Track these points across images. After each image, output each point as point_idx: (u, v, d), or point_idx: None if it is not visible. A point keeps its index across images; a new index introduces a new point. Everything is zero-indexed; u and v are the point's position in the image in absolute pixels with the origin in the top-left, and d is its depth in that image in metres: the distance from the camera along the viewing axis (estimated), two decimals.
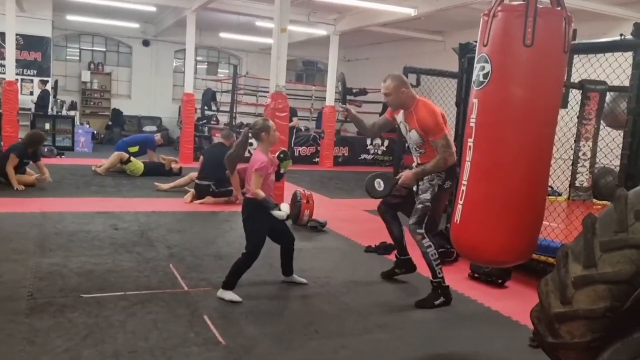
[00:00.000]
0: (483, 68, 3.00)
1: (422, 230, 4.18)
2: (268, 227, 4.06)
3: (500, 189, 2.97)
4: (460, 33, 12.28)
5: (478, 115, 3.03)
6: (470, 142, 3.08)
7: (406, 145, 4.60)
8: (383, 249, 5.59)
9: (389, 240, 5.68)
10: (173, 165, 10.13)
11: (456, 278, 4.85)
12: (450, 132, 4.33)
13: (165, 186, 8.48)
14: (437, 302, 4.12)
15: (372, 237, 5.94)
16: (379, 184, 4.35)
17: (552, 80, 2.99)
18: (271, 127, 4.08)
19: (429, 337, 3.57)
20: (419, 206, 4.19)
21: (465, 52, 5.83)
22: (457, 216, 3.15)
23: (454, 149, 4.14)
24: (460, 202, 3.12)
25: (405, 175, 4.27)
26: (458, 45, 5.97)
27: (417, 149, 4.26)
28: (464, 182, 3.11)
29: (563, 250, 2.64)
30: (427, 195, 4.18)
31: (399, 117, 4.34)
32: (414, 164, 4.33)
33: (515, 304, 4.22)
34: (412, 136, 4.22)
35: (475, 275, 4.82)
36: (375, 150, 14.70)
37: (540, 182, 3.09)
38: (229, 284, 3.98)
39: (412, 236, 4.20)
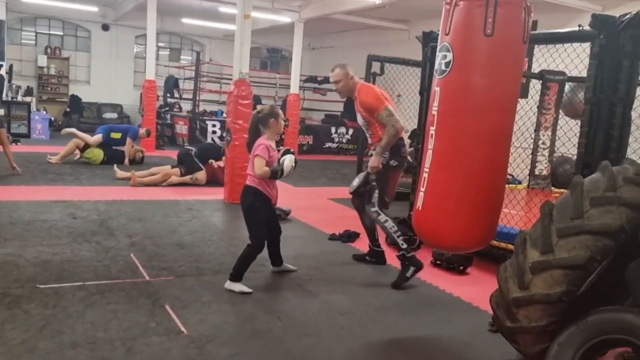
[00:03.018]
0: (445, 57, 3.03)
1: (376, 208, 4.42)
2: (265, 217, 4.00)
3: (460, 177, 3.02)
4: (425, 22, 12.35)
5: (440, 104, 3.07)
6: (432, 130, 3.11)
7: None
8: (347, 236, 5.62)
9: (353, 228, 5.73)
10: (137, 155, 9.97)
11: None
12: (394, 106, 4.58)
13: (120, 175, 8.25)
14: (408, 274, 4.28)
15: (336, 225, 5.97)
16: (354, 181, 4.59)
17: (511, 69, 3.04)
18: (280, 114, 4.03)
19: (391, 323, 3.61)
20: (367, 187, 4.47)
21: (429, 40, 5.85)
22: (419, 203, 3.19)
23: (398, 117, 4.41)
24: (422, 189, 3.16)
25: (370, 162, 4.42)
26: (422, 34, 5.99)
27: (366, 131, 4.57)
28: (426, 170, 3.15)
29: (521, 237, 2.70)
30: (372, 176, 4.43)
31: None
32: (369, 145, 4.64)
33: (476, 290, 4.30)
34: (359, 119, 4.58)
35: (437, 262, 4.89)
36: (340, 139, 14.74)
37: (499, 169, 3.15)
38: (235, 276, 3.92)
39: (369, 215, 4.52)
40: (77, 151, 9.58)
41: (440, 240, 3.18)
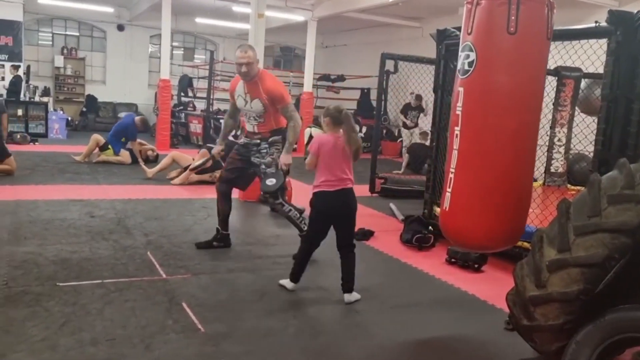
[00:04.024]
0: (468, 56, 3.01)
1: (280, 200, 4.68)
2: (322, 220, 3.89)
3: (486, 176, 3.00)
4: (438, 19, 12.31)
5: (464, 104, 3.04)
6: (456, 130, 3.08)
7: (243, 116, 4.81)
8: (361, 235, 5.61)
9: (367, 227, 5.73)
10: (149, 154, 10.02)
11: (433, 263, 4.91)
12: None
13: (150, 173, 8.39)
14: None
15: None
16: (271, 181, 4.62)
17: (536, 67, 3.00)
18: (325, 114, 3.90)
19: (406, 321, 3.61)
20: (267, 181, 4.60)
21: (443, 38, 5.84)
22: (446, 204, 3.16)
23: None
24: (449, 190, 3.13)
25: (282, 159, 4.55)
26: (436, 31, 5.97)
27: (257, 118, 4.62)
28: (452, 170, 3.12)
29: (538, 235, 2.68)
30: (273, 169, 4.60)
31: (238, 90, 4.66)
32: (252, 132, 4.69)
33: (491, 288, 4.29)
34: (255, 106, 4.57)
35: (452, 260, 4.88)
36: None
37: (525, 168, 3.12)
38: (352, 285, 3.86)
39: (276, 208, 4.72)
40: (97, 149, 9.67)
41: (467, 240, 3.16)
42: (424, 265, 4.82)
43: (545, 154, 7.37)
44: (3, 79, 13.45)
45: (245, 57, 4.44)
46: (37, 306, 3.38)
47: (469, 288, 4.30)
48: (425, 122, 11.45)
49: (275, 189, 4.61)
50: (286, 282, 3.99)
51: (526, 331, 2.68)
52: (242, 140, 4.85)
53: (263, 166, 4.62)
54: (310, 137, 3.58)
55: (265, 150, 4.63)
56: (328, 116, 3.81)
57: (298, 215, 4.74)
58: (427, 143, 10.80)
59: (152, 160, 9.88)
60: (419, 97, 11.21)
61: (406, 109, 11.56)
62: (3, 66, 13.67)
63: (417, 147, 10.80)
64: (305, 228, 4.38)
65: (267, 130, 4.61)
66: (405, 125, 11.66)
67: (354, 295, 3.85)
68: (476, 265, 4.76)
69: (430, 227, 5.57)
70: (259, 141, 4.64)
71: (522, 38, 2.88)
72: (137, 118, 10.03)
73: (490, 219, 3.02)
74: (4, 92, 13.00)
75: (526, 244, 4.38)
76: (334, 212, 3.83)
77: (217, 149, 5.00)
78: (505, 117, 2.96)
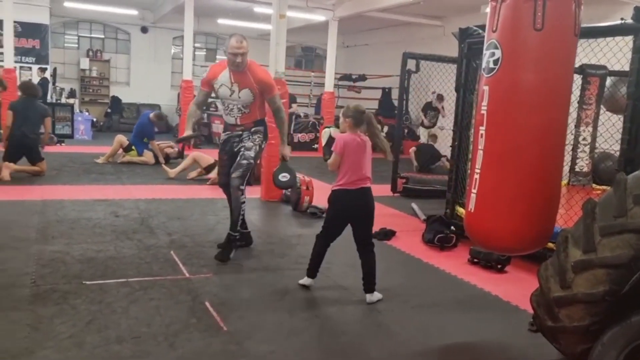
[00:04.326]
0: (493, 54, 2.97)
1: (244, 187, 4.53)
2: (341, 218, 3.92)
3: (513, 176, 2.95)
4: (460, 18, 12.21)
5: (489, 103, 3.00)
6: (481, 129, 3.04)
7: (223, 107, 4.68)
8: (383, 235, 5.61)
9: (389, 226, 5.72)
10: (169, 151, 10.12)
11: (455, 263, 4.89)
12: None
13: (172, 173, 8.50)
14: (231, 255, 4.54)
15: None
16: (284, 177, 4.70)
17: (563, 63, 2.95)
18: (344, 112, 3.93)
19: (428, 321, 3.60)
20: (244, 162, 4.51)
21: (465, 37, 5.80)
22: (471, 205, 3.12)
23: None
24: (474, 190, 3.09)
25: (285, 152, 4.74)
26: (458, 30, 5.94)
27: (243, 109, 4.54)
28: (477, 171, 3.08)
29: (563, 235, 2.66)
30: (252, 153, 4.52)
31: (221, 79, 4.51)
32: (233, 125, 4.60)
33: (515, 288, 4.25)
34: (243, 96, 4.48)
35: (475, 260, 4.84)
36: None
37: (554, 168, 3.06)
38: (374, 286, 3.91)
39: (233, 190, 4.48)
40: (121, 150, 9.82)
41: (494, 242, 3.11)
42: (446, 265, 4.80)
43: (570, 153, 7.27)
44: (30, 80, 13.71)
45: (242, 48, 4.36)
46: (64, 304, 3.45)
47: (492, 288, 4.26)
48: (444, 123, 11.43)
49: (292, 183, 4.76)
50: (304, 280, 4.02)
51: (551, 332, 2.66)
52: (223, 137, 4.76)
53: (242, 148, 4.53)
54: (330, 137, 3.59)
55: (247, 137, 4.57)
56: (349, 117, 3.82)
57: (244, 212, 4.60)
58: (435, 144, 10.86)
59: (174, 158, 10.01)
60: (440, 98, 11.15)
61: (427, 108, 11.51)
62: (30, 69, 13.95)
63: (424, 148, 10.77)
64: (238, 230, 4.57)
65: (250, 121, 4.57)
66: (423, 124, 11.61)
67: (376, 295, 3.85)
68: (499, 266, 4.72)
69: (452, 227, 5.55)
70: (241, 132, 4.60)
71: (549, 34, 2.83)
72: (151, 114, 10.17)
73: (517, 220, 2.97)
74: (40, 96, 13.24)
75: (551, 245, 4.33)
76: (354, 210, 3.86)
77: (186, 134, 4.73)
78: (532, 115, 2.91)
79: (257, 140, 4.59)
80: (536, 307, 2.73)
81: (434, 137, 10.97)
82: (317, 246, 4.00)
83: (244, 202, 4.53)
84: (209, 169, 8.43)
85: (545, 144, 2.95)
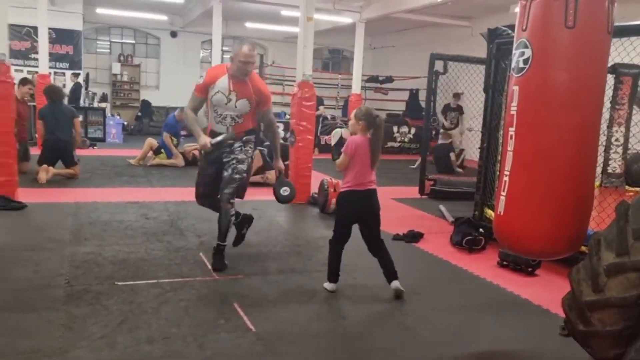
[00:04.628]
0: (523, 54, 2.92)
1: (234, 200, 4.40)
2: (351, 218, 4.00)
3: (544, 178, 2.88)
4: (488, 18, 12.09)
5: (519, 103, 2.95)
6: (511, 130, 2.98)
7: (215, 115, 4.44)
8: (411, 237, 5.58)
9: (417, 229, 5.69)
10: (196, 153, 10.23)
11: (484, 266, 4.83)
12: None
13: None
14: (226, 262, 4.41)
15: (399, 225, 5.94)
16: (285, 190, 4.63)
17: (596, 62, 2.88)
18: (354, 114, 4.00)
19: (456, 324, 3.57)
20: (237, 176, 4.34)
21: (494, 37, 5.73)
22: (501, 208, 3.05)
23: None
24: (503, 193, 3.03)
25: (281, 166, 4.65)
26: (487, 30, 5.88)
27: (237, 118, 4.37)
28: (506, 173, 3.01)
29: (595, 238, 2.61)
30: (244, 167, 4.38)
31: (219, 86, 4.31)
32: (224, 131, 4.38)
33: (546, 292, 4.18)
34: (240, 105, 4.33)
35: (504, 263, 4.78)
36: (402, 138, 14.61)
37: (586, 169, 2.98)
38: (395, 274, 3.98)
39: (224, 204, 4.33)
40: (151, 153, 9.98)
41: (524, 246, 3.04)
42: (474, 268, 4.75)
43: (602, 154, 7.12)
44: (64, 86, 14.04)
45: (254, 56, 4.31)
46: (97, 304, 3.52)
47: (522, 292, 4.20)
48: (465, 123, 11.36)
49: (293, 196, 4.68)
50: (328, 285, 4.02)
51: (582, 337, 2.61)
52: (221, 136, 4.43)
53: (234, 161, 4.34)
54: (341, 138, 3.57)
55: (239, 148, 4.37)
56: (363, 120, 3.88)
57: (232, 225, 4.50)
58: (448, 142, 10.79)
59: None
60: (457, 96, 11.09)
61: (446, 110, 11.45)
62: (64, 74, 14.30)
63: (439, 148, 10.68)
64: (226, 241, 4.44)
65: (242, 130, 4.39)
66: (444, 127, 11.52)
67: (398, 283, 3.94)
68: (529, 269, 4.65)
69: (480, 229, 5.49)
70: (232, 141, 4.38)
71: (581, 32, 2.77)
72: (177, 112, 10.28)
73: (549, 223, 2.90)
74: (65, 99, 13.56)
75: (583, 248, 4.26)
76: (362, 211, 3.97)
77: (206, 141, 4.33)
78: (563, 115, 2.85)
79: (250, 151, 4.44)
80: (568, 311, 2.68)
81: (446, 135, 10.90)
82: (332, 251, 4.02)
83: (232, 215, 4.41)
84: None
85: (578, 144, 2.88)
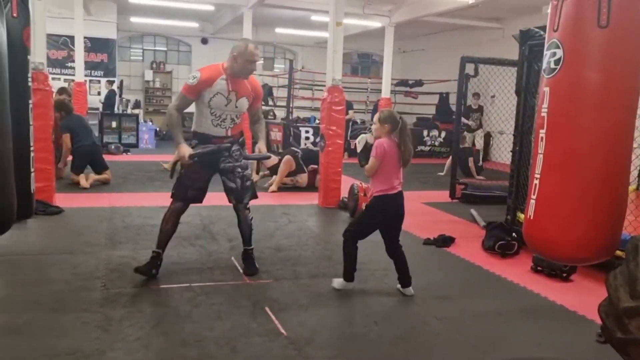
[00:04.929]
0: (554, 54, 2.87)
1: (249, 205, 4.42)
2: (381, 222, 4.05)
3: (576, 181, 2.82)
4: (520, 19, 11.94)
5: (550, 105, 2.90)
6: (542, 133, 2.93)
7: (212, 118, 4.16)
8: (442, 241, 5.54)
9: (448, 233, 5.64)
10: None
11: (517, 271, 4.77)
12: None
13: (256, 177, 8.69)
14: (254, 271, 4.39)
15: (430, 229, 5.91)
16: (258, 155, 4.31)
17: (630, 62, 2.80)
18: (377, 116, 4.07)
19: (489, 330, 3.53)
20: (248, 183, 4.33)
21: (527, 39, 5.66)
22: (530, 212, 3.00)
23: None
24: (533, 197, 2.99)
25: (263, 148, 4.29)
26: (519, 32, 5.81)
27: (235, 119, 4.23)
28: (537, 176, 2.97)
29: (633, 243, 2.55)
30: (249, 171, 4.40)
31: (217, 88, 4.08)
32: (222, 137, 4.18)
33: (581, 298, 4.10)
34: (240, 105, 4.19)
35: (538, 268, 4.70)
36: (432, 142, 14.51)
37: (620, 172, 2.90)
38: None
39: (242, 211, 4.37)
40: None
41: (555, 251, 2.97)
42: (507, 273, 4.69)
43: (639, 157, 6.94)
44: (99, 93, 14.40)
45: (257, 56, 4.21)
46: (131, 307, 3.60)
47: (557, 298, 4.13)
48: (503, 127, 11.21)
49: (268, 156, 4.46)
50: (342, 284, 4.05)
51: (620, 344, 2.55)
52: (200, 150, 4.14)
53: (239, 169, 4.24)
54: (367, 143, 3.57)
55: (238, 153, 4.25)
56: (389, 123, 3.93)
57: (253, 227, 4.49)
58: (467, 145, 10.66)
59: None
60: (476, 96, 11.00)
61: (468, 111, 11.36)
62: (99, 82, 14.64)
63: (459, 152, 10.57)
64: (252, 246, 4.48)
65: (238, 131, 4.28)
66: (469, 129, 11.44)
67: (411, 290, 4.04)
68: (564, 274, 4.56)
69: (513, 234, 5.41)
70: (230, 144, 4.20)
71: (614, 32, 2.71)
72: None
73: (580, 228, 2.83)
74: (100, 105, 13.89)
75: (619, 252, 4.16)
76: (394, 214, 4.01)
77: (186, 152, 4.06)
78: (596, 117, 2.79)
79: (244, 153, 4.33)
80: (604, 318, 2.62)
81: (463, 138, 10.83)
82: (351, 249, 4.04)
83: (252, 218, 4.47)
84: (273, 169, 8.55)
85: (610, 147, 2.82)
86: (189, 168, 4.18)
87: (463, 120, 11.50)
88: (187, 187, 4.28)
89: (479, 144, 11.45)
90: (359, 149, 4.09)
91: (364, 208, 4.29)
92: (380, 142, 3.91)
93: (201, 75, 4.08)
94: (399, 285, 4.11)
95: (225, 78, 4.11)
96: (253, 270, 4.39)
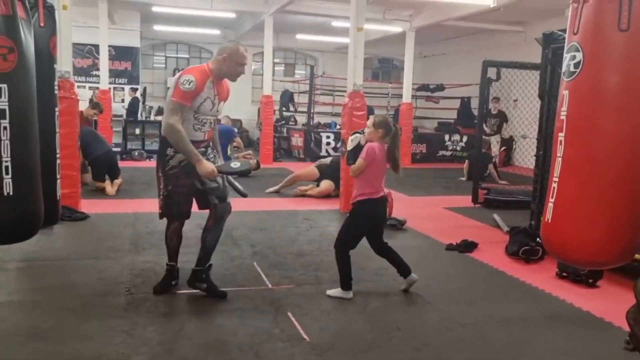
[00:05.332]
0: (574, 57, 2.86)
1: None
2: (368, 227, 4.13)
3: (595, 185, 2.80)
4: (542, 23, 11.81)
5: (569, 108, 2.89)
6: (561, 136, 2.93)
7: (194, 122, 3.81)
8: (464, 246, 5.49)
9: (471, 238, 5.60)
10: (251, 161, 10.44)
11: (542, 277, 4.70)
12: None
13: (273, 188, 8.70)
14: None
15: (452, 234, 5.86)
16: (235, 164, 3.96)
17: None
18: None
19: (513, 336, 3.49)
20: (226, 182, 4.08)
21: (550, 42, 5.61)
22: (548, 215, 3.00)
23: None
24: (551, 200, 2.98)
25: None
26: (542, 35, 5.75)
27: (212, 123, 3.98)
28: (555, 179, 2.97)
29: None
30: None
31: (206, 93, 3.77)
32: (200, 141, 3.88)
33: (608, 304, 4.03)
34: (220, 108, 3.98)
35: (564, 274, 4.64)
36: (454, 147, 14.42)
37: (639, 175, 2.91)
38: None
39: (223, 216, 4.13)
40: None
41: (573, 254, 2.95)
42: (532, 279, 4.63)
43: None
44: (123, 100, 14.59)
45: (247, 59, 3.98)
46: (155, 312, 3.64)
47: (583, 304, 4.06)
48: (508, 130, 11.12)
49: (246, 168, 4.10)
50: (343, 293, 4.02)
51: None
52: (180, 157, 3.84)
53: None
54: (359, 143, 3.50)
55: (213, 156, 4.00)
56: (382, 128, 4.00)
57: None
58: (486, 150, 10.54)
59: (253, 169, 10.34)
60: (496, 100, 10.88)
61: (486, 116, 11.25)
62: (123, 89, 14.85)
63: (478, 157, 10.46)
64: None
65: (210, 135, 4.01)
66: (485, 134, 11.33)
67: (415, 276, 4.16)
68: (590, 280, 4.49)
69: (538, 239, 5.34)
70: (204, 149, 3.93)
71: (635, 35, 2.69)
72: (222, 120, 10.55)
73: (598, 231, 2.81)
74: (124, 112, 14.09)
75: (638, 256, 4.08)
76: (378, 218, 4.15)
77: (210, 167, 3.74)
78: (615, 121, 2.77)
79: (217, 159, 4.07)
80: (632, 325, 2.58)
81: (486, 143, 10.74)
82: (345, 258, 4.04)
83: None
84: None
85: (630, 150, 2.79)
86: (176, 182, 3.85)
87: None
88: (180, 203, 3.97)
89: (495, 149, 11.33)
90: (349, 147, 4.08)
91: (348, 214, 4.27)
92: (372, 145, 3.98)
93: (196, 79, 3.71)
94: (403, 286, 4.17)
95: (212, 81, 3.82)
96: (222, 293, 4.00)
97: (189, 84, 3.67)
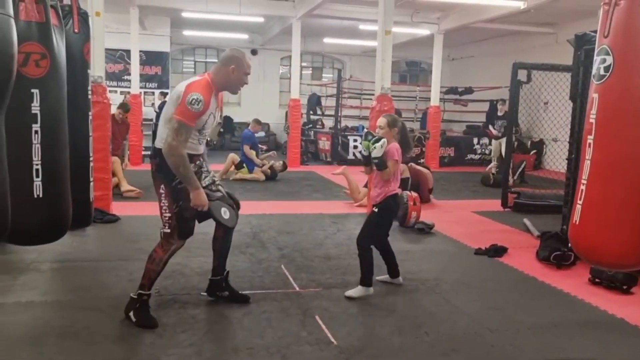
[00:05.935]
0: (604, 61, 2.84)
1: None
2: (391, 222, 4.42)
3: (623, 187, 2.80)
4: (573, 24, 11.60)
5: (599, 111, 2.88)
6: (589, 139, 2.92)
7: (199, 137, 3.64)
8: (493, 251, 5.42)
9: (500, 243, 5.52)
10: (276, 166, 10.51)
11: (574, 283, 4.61)
12: None
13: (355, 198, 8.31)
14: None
15: (481, 239, 5.79)
16: (225, 213, 3.70)
17: None
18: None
19: (545, 343, 3.43)
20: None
21: (582, 43, 5.50)
22: (576, 217, 2.99)
23: None
24: (580, 202, 2.96)
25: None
26: (573, 36, 5.65)
27: (207, 136, 3.77)
28: (583, 181, 2.96)
29: None
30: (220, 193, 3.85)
31: (212, 108, 3.53)
32: (200, 153, 3.74)
33: None
34: (215, 119, 3.73)
35: (597, 280, 4.54)
36: (482, 150, 14.24)
37: None
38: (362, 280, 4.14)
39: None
40: (233, 167, 10.35)
41: (600, 256, 2.96)
42: (564, 285, 4.54)
43: None
44: (153, 104, 14.82)
45: (250, 68, 3.79)
46: (184, 314, 3.68)
47: (617, 311, 3.97)
48: (557, 134, 10.90)
49: (232, 222, 3.78)
50: (365, 290, 4.07)
51: None
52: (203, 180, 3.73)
53: (220, 187, 3.91)
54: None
55: (206, 169, 3.84)
56: (396, 126, 4.21)
57: None
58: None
59: (280, 171, 10.46)
60: (503, 102, 10.79)
61: (492, 119, 11.12)
62: (153, 93, 15.08)
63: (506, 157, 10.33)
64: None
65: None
66: (494, 136, 11.19)
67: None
68: (624, 287, 4.38)
69: (570, 244, 5.24)
70: (201, 161, 3.79)
71: None
72: (250, 125, 10.92)
73: (626, 233, 2.80)
74: (154, 115, 14.30)
75: None
76: (397, 213, 4.50)
77: (205, 200, 3.50)
78: None
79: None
80: None
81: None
82: (371, 254, 4.14)
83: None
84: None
85: None
86: (187, 196, 3.48)
87: (490, 129, 11.32)
88: (189, 220, 3.65)
89: (499, 154, 11.15)
90: (379, 154, 4.05)
91: (375, 211, 4.25)
92: (395, 145, 4.14)
93: (205, 99, 3.42)
94: (386, 276, 4.41)
95: (215, 94, 3.59)
96: (244, 297, 3.97)
97: (197, 104, 3.38)
